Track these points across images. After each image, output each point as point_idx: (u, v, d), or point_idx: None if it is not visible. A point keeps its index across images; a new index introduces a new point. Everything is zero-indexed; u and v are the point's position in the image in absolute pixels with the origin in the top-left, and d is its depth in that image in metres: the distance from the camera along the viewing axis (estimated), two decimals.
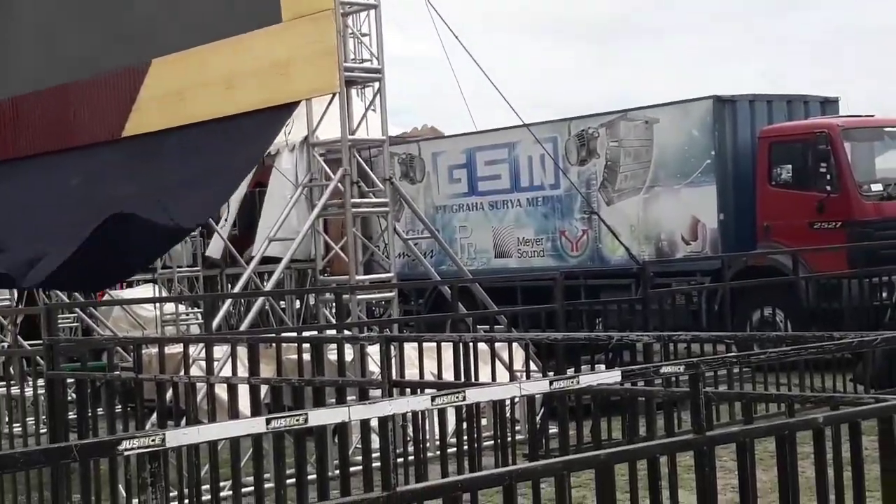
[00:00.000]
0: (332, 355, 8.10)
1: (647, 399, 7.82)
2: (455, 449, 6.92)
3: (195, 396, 7.11)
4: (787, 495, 4.11)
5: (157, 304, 14.12)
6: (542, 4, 53.16)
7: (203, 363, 7.64)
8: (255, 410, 6.61)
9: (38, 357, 10.04)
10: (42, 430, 9.05)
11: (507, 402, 7.40)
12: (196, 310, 14.63)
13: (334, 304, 10.18)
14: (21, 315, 14.06)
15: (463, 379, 6.73)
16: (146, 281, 17.13)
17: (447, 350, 7.04)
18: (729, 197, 15.61)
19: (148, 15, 11.40)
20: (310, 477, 6.11)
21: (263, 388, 6.85)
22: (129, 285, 17.80)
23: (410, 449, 6.95)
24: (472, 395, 3.85)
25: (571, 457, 4.29)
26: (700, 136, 15.73)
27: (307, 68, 10.10)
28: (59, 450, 3.05)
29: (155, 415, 7.91)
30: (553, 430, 9.03)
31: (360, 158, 11.19)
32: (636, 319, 11.08)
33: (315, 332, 9.56)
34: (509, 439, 7.55)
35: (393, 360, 6.67)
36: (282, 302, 15.06)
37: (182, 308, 14.31)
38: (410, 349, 7.66)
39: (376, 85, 11.10)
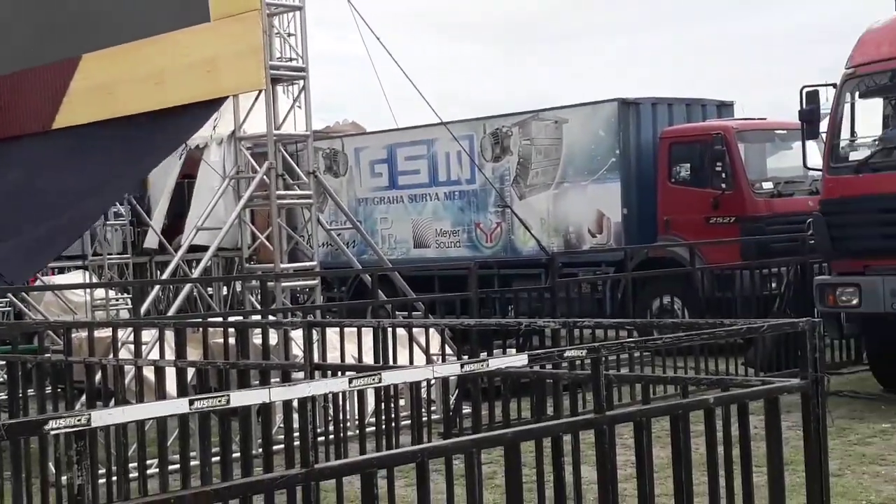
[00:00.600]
0: (257, 339, 8.02)
1: (553, 381, 7.91)
2: (374, 428, 6.93)
3: (123, 379, 7.00)
4: (680, 470, 4.18)
5: (88, 290, 13.86)
6: (471, 4, 53.28)
7: (132, 347, 7.51)
8: (182, 392, 6.53)
9: None
10: None
11: (423, 384, 7.41)
12: (126, 295, 14.41)
13: (260, 291, 10.10)
14: None
15: (382, 362, 6.71)
16: (77, 267, 16.83)
17: (367, 335, 7.01)
18: (632, 193, 15.81)
19: (80, 11, 11.19)
20: (234, 455, 6.05)
21: (190, 371, 6.76)
22: (61, 271, 17.46)
23: (332, 428, 6.92)
24: (388, 378, 3.85)
25: (481, 435, 4.31)
26: (606, 136, 15.89)
27: (234, 66, 10.01)
28: None
29: (84, 396, 7.77)
30: (467, 410, 9.08)
31: (285, 152, 11.11)
32: (545, 307, 11.16)
33: (241, 318, 9.48)
34: (425, 419, 7.57)
35: (315, 345, 6.64)
36: (209, 288, 14.90)
37: (112, 294, 14.06)
38: (332, 334, 7.62)
39: (301, 82, 11.02)
